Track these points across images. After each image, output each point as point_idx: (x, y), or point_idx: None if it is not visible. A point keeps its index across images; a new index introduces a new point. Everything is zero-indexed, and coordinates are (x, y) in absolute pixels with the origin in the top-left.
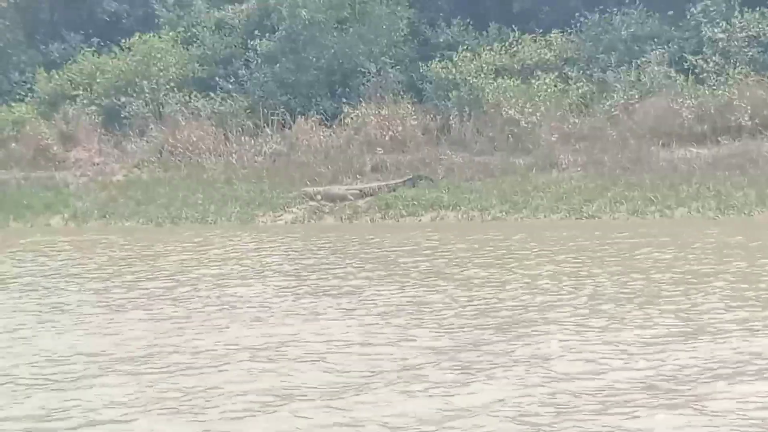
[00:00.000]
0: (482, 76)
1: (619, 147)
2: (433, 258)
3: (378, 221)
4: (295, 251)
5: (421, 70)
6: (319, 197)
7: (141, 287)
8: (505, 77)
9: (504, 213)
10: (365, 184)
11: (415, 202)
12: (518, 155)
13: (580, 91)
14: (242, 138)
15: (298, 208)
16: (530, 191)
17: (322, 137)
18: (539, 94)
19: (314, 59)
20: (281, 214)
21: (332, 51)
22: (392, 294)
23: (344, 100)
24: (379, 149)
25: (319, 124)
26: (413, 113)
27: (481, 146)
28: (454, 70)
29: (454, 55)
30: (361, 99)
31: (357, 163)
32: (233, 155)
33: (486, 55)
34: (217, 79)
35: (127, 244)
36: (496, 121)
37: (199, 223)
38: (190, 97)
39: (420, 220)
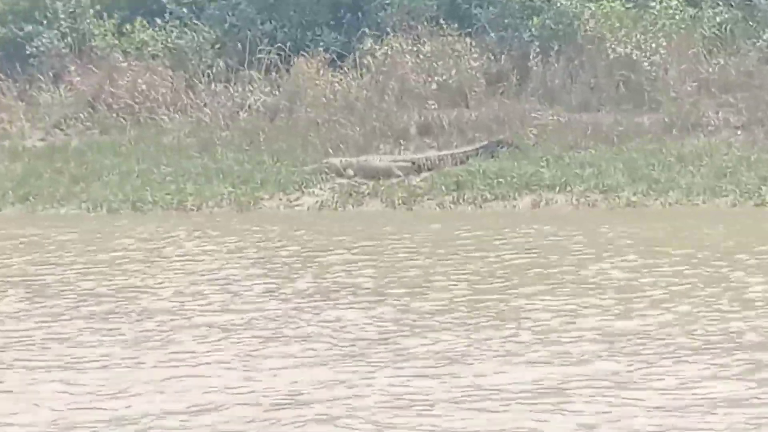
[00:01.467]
0: None
1: None
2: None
3: (449, 207)
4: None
5: None
6: (351, 172)
7: None
8: None
9: (641, 196)
10: (418, 153)
11: (502, 180)
12: (640, 112)
13: (718, 19)
14: (213, 86)
15: (321, 188)
16: (673, 164)
17: (337, 85)
18: (659, 22)
19: None
20: (298, 197)
21: None
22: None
23: (364, 29)
24: (430, 102)
25: (328, 66)
26: (472, 49)
27: (581, 98)
28: None
29: None
30: (380, 29)
31: (396, 122)
32: (204, 110)
33: None
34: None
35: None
36: (597, 62)
37: (174, 209)
38: (130, 27)
39: (515, 207)
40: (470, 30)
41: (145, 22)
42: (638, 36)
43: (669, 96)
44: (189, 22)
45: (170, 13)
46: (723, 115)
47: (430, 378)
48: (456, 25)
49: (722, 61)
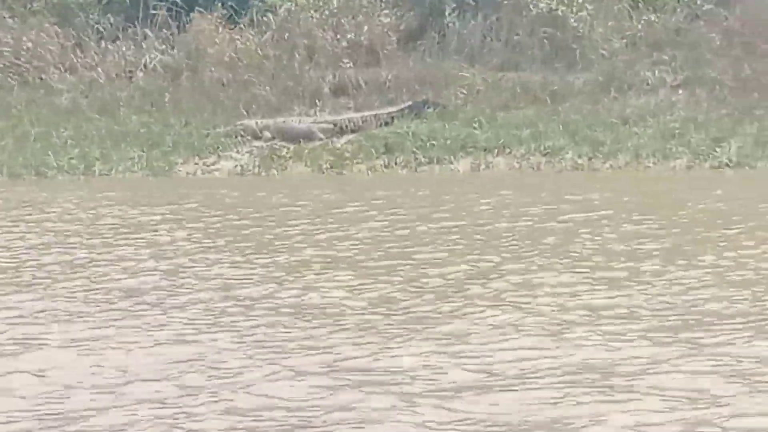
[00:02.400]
0: None
1: (727, 58)
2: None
3: (381, 171)
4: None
5: None
6: (268, 134)
7: None
8: None
9: (586, 158)
10: (338, 114)
11: (435, 142)
12: (569, 71)
13: None
14: (104, 44)
15: (238, 151)
16: (616, 125)
17: (239, 43)
18: None
19: None
20: (214, 161)
21: None
22: None
23: None
24: (345, 61)
25: (226, 23)
26: (381, 5)
27: (504, 57)
28: None
29: None
30: None
31: (309, 81)
32: (97, 69)
33: None
34: None
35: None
36: (518, 18)
37: (82, 175)
38: None
39: (453, 170)
40: None
41: None
42: None
43: (598, 54)
44: None
45: None
46: (659, 74)
47: None
48: None
49: (651, 18)
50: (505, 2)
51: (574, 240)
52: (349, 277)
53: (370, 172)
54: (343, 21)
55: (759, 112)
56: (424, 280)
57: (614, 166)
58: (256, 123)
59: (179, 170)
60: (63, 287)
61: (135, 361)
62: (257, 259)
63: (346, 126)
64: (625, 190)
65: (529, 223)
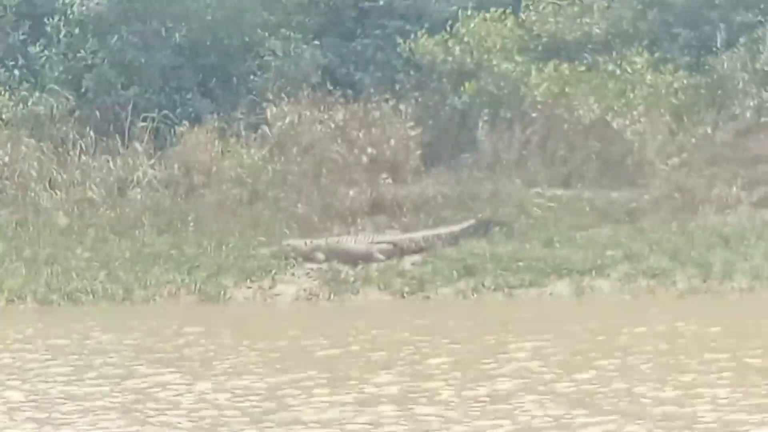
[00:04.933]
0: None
1: None
2: None
3: (470, 297)
4: None
5: (398, 49)
6: (321, 255)
7: None
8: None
9: (699, 281)
10: (396, 235)
11: (520, 264)
12: (622, 187)
13: (685, 82)
14: (84, 158)
15: (294, 274)
16: (716, 244)
17: (245, 157)
18: (628, 86)
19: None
20: (270, 285)
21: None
22: None
23: (253, 96)
24: (383, 176)
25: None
26: (404, 117)
27: (549, 171)
28: (453, 44)
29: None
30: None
31: (335, 200)
32: (85, 185)
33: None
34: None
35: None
36: (559, 130)
37: (119, 299)
38: None
39: (551, 294)
40: (390, 97)
41: None
42: (609, 101)
43: (655, 170)
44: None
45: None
46: (736, 190)
47: None
48: (340, 93)
49: (704, 130)
50: (541, 113)
51: None
52: None
53: (461, 296)
54: (357, 134)
55: None
56: None
57: (736, 289)
58: (306, 243)
59: (232, 295)
60: None
61: None
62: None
63: (407, 246)
64: None
65: None
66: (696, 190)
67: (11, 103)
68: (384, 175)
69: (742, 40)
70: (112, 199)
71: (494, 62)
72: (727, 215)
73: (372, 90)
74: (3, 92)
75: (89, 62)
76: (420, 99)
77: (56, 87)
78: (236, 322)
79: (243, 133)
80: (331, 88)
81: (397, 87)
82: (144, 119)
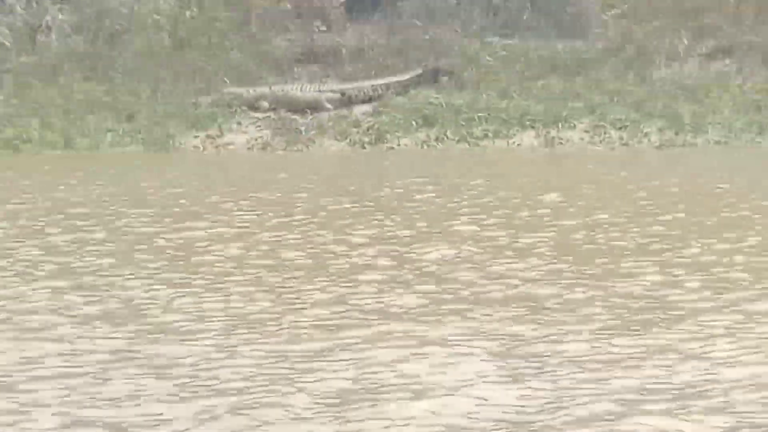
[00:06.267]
0: None
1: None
2: None
3: (434, 146)
4: None
5: None
6: (265, 104)
7: None
8: None
9: (672, 134)
10: (345, 83)
11: (478, 115)
12: (565, 39)
13: None
14: None
15: (239, 123)
16: (676, 96)
17: (161, 2)
18: None
19: None
20: (218, 134)
21: None
22: None
23: None
24: (316, 23)
25: None
26: None
27: (480, 23)
28: None
29: None
30: None
31: (269, 48)
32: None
33: None
34: None
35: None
36: None
37: (60, 148)
38: None
39: (519, 145)
40: None
41: None
42: None
43: (597, 20)
44: None
45: None
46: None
47: None
48: None
49: None
50: None
51: None
52: None
53: (424, 146)
54: None
55: None
56: None
57: (709, 141)
58: (248, 91)
59: (180, 144)
60: None
61: None
62: None
63: (356, 96)
64: None
65: None
66: (646, 40)
67: None
68: (318, 23)
69: None
70: (24, 44)
71: None
72: (682, 67)
73: None
74: None
75: None
76: None
77: None
78: (218, 172)
79: None
80: None
81: None
82: None
